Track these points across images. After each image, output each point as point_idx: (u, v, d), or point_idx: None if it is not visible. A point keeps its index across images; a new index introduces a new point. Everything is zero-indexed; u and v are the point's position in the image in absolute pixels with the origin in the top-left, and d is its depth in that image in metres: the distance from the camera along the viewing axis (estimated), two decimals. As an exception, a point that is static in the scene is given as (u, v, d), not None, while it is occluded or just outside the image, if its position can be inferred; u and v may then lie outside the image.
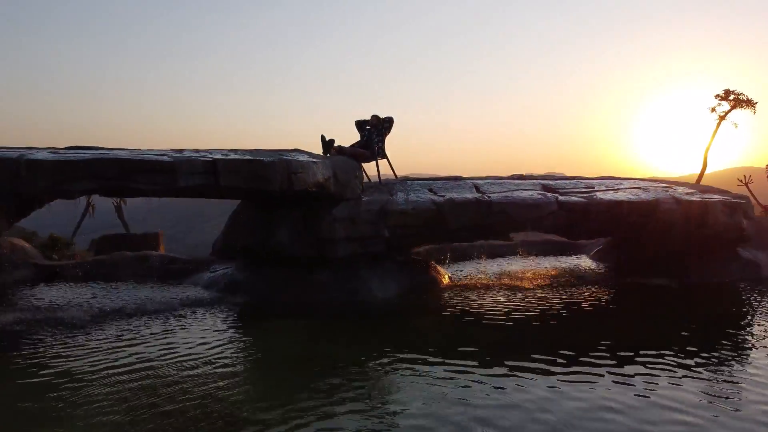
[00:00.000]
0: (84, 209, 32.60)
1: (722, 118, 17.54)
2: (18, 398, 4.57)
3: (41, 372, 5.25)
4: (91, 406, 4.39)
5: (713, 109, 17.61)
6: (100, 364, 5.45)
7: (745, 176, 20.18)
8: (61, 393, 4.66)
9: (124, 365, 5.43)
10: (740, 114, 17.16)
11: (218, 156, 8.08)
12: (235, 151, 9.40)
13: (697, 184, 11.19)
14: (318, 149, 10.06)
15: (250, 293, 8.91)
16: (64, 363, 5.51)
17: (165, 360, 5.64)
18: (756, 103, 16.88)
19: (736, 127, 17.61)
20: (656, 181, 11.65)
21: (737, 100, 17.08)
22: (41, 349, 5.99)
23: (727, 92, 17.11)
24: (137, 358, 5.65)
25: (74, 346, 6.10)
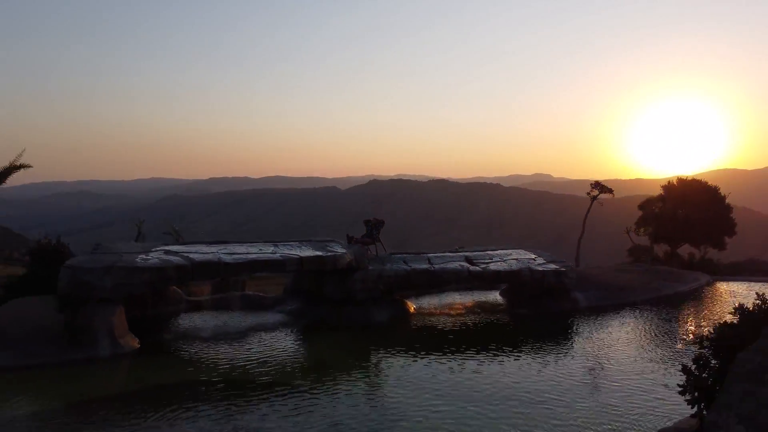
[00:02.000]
0: (136, 236, 40.91)
1: (595, 199, 26.49)
2: (224, 374, 12.94)
3: (225, 361, 13.63)
4: (253, 372, 12.89)
5: (588, 193, 26.52)
6: (259, 358, 13.86)
7: (627, 228, 29.05)
8: (243, 371, 13.08)
9: (264, 352, 13.82)
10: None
11: (301, 253, 16.61)
12: (301, 242, 17.97)
13: (551, 255, 19.80)
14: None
15: (311, 318, 17.32)
16: (235, 360, 13.91)
17: (279, 348, 14.12)
18: (613, 191, 25.81)
19: (602, 205, 26.62)
20: (534, 252, 20.32)
21: (602, 188, 26.03)
22: (215, 353, 14.35)
23: (597, 182, 26.04)
24: (268, 348, 14.07)
25: (246, 349, 14.41)
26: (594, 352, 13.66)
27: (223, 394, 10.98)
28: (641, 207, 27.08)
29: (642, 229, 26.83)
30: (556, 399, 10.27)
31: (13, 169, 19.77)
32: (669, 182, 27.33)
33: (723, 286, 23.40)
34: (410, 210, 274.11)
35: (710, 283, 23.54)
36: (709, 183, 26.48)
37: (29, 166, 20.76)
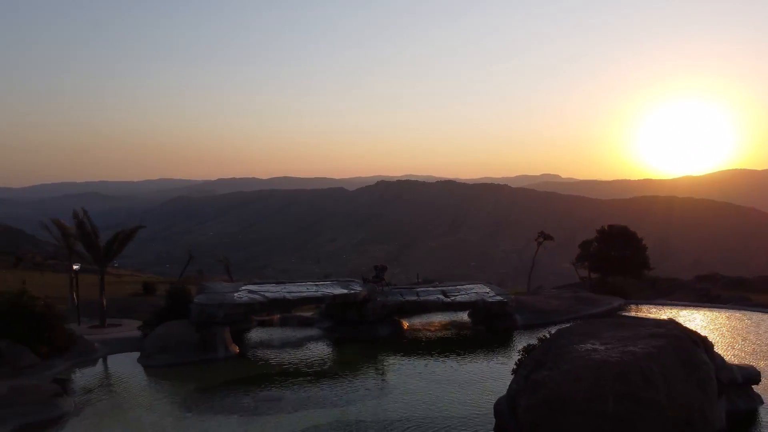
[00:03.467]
0: (187, 261, 50.46)
1: (540, 245, 35.64)
2: (276, 370, 22.16)
3: (292, 359, 22.84)
4: (296, 365, 22.19)
5: (535, 240, 35.61)
6: (311, 358, 23.10)
7: (572, 261, 38.09)
8: (292, 370, 22.33)
9: (307, 357, 23.08)
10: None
11: (334, 291, 25.88)
12: (332, 281, 27.34)
13: (501, 289, 28.86)
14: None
15: (339, 333, 26.52)
16: (296, 358, 23.13)
17: (321, 352, 23.41)
18: (554, 237, 34.91)
19: (546, 248, 35.75)
20: (493, 284, 29.43)
21: (545, 236, 35.17)
22: (284, 355, 23.57)
23: (542, 232, 35.16)
24: (311, 354, 23.32)
25: (301, 352, 23.66)
26: (510, 355, 22.82)
27: (295, 379, 20.10)
28: (581, 246, 36.20)
29: (580, 264, 35.97)
30: (472, 382, 19.39)
31: (132, 232, 28.95)
32: (602, 227, 36.35)
33: (634, 309, 32.42)
34: (417, 211, 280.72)
35: (623, 306, 32.57)
36: (630, 230, 35.48)
37: (143, 227, 30.19)
